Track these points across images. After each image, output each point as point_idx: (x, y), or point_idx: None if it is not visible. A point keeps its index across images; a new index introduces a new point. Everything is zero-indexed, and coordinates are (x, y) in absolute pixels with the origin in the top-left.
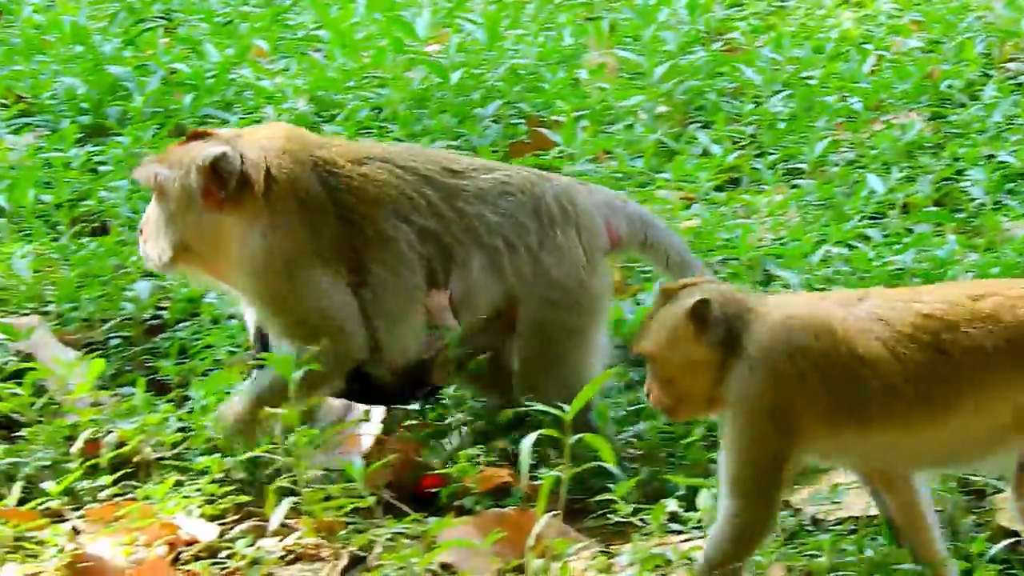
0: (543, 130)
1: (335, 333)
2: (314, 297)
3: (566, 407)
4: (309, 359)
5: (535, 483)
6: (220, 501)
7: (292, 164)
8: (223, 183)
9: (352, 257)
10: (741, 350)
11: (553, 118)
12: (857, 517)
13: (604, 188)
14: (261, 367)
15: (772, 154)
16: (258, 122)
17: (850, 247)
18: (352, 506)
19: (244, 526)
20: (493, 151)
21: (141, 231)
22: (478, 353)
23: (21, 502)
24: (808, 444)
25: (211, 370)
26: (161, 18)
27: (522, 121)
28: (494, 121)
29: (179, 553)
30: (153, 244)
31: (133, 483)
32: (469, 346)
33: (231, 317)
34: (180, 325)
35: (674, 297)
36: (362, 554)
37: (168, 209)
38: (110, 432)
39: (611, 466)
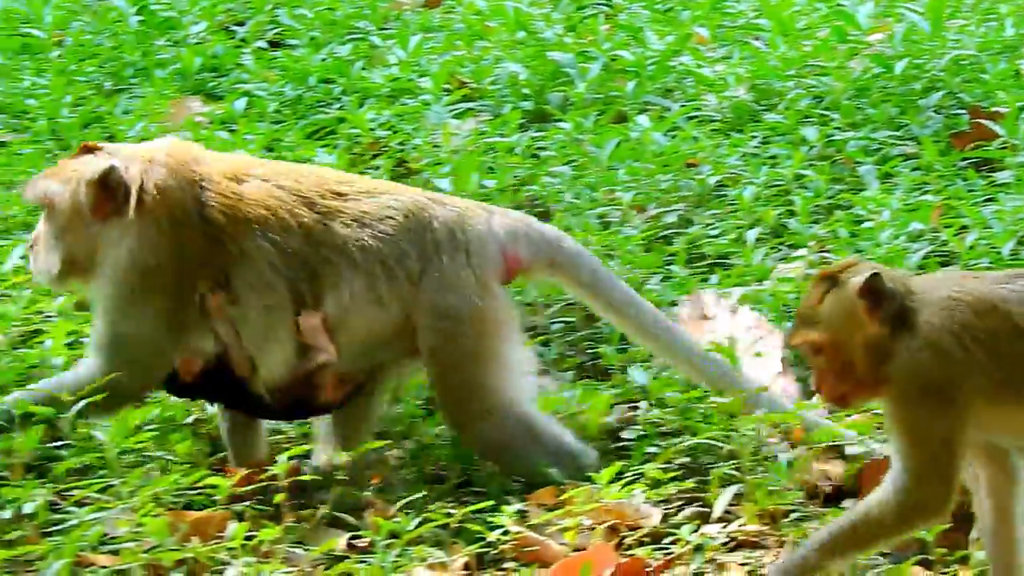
0: (986, 121)
1: (127, 363)
2: (134, 321)
3: None
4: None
5: None
6: (664, 487)
7: (167, 178)
8: (112, 197)
9: (219, 274)
10: (910, 326)
11: (994, 109)
12: None
13: (514, 213)
14: None
15: None
16: (698, 109)
17: None
18: (794, 496)
19: (687, 512)
20: (935, 141)
21: (31, 246)
22: (375, 375)
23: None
24: (972, 420)
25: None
26: (602, 4)
27: (963, 112)
28: (935, 111)
29: (623, 538)
30: (43, 259)
31: None
32: (364, 367)
33: (673, 304)
34: None
35: (835, 281)
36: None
37: (58, 224)
38: None
39: None
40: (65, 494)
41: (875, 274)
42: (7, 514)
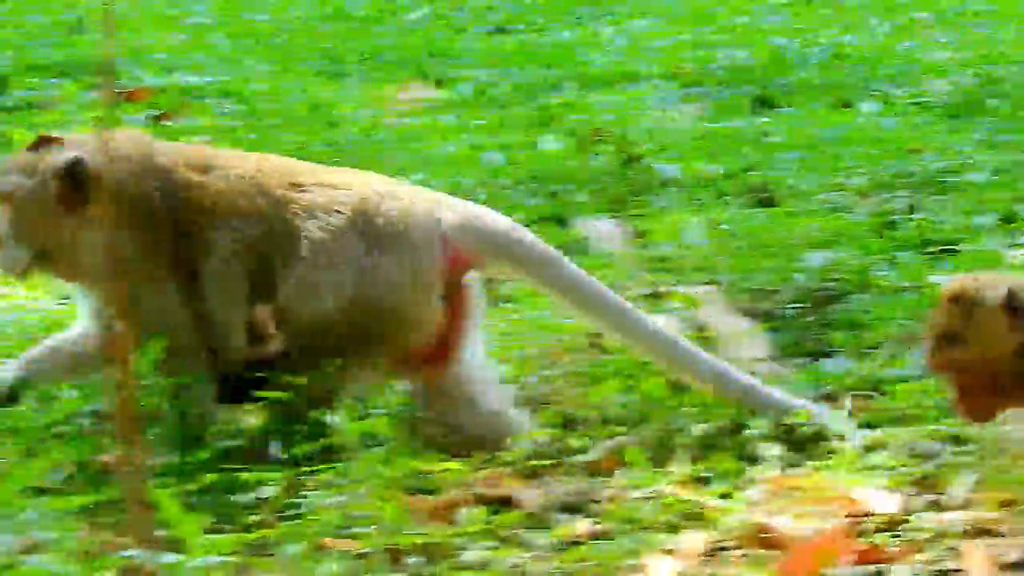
0: None
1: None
2: (154, 318)
3: None
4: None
5: None
6: (900, 473)
7: (128, 170)
8: (78, 187)
9: (185, 266)
10: None
11: None
12: None
13: (469, 206)
14: None
15: None
16: (921, 95)
17: None
18: None
19: (925, 499)
20: None
21: None
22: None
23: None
24: None
25: (883, 343)
26: None
27: None
28: None
29: (860, 525)
30: (8, 252)
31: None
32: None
33: (902, 290)
34: (852, 297)
35: (970, 298)
36: None
37: (23, 216)
38: None
39: None
40: (303, 478)
41: (1014, 287)
42: (245, 498)
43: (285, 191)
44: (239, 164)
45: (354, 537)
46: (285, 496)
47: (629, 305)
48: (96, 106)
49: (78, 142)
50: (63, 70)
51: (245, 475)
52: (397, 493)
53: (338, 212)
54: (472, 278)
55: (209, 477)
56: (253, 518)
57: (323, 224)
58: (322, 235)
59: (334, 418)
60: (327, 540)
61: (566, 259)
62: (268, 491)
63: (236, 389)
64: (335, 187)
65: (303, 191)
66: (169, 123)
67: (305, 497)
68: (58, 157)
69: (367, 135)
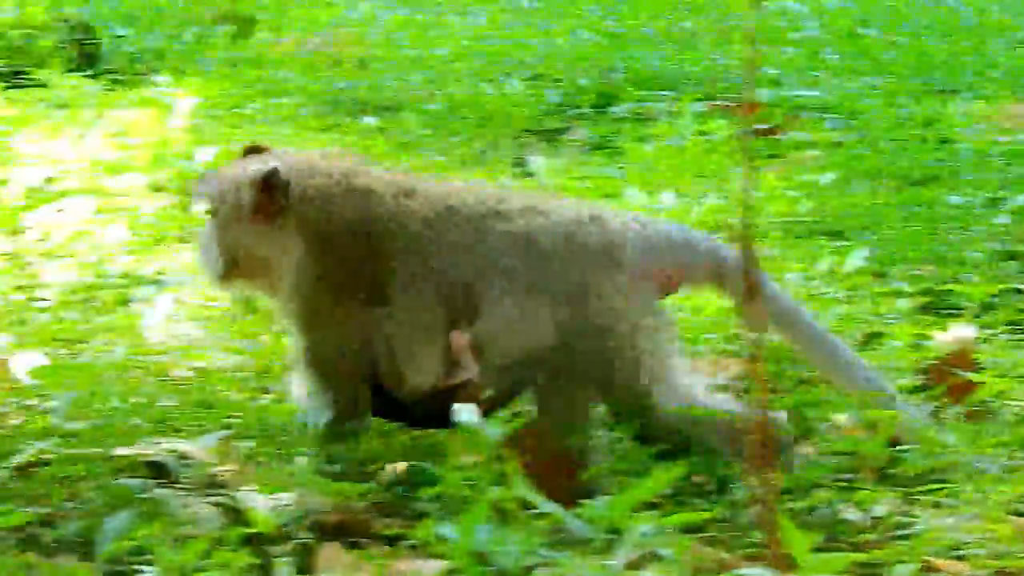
0: None
1: (342, 382)
2: (332, 336)
3: None
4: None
5: None
6: None
7: (329, 189)
8: (273, 198)
9: (376, 288)
10: None
11: None
12: None
13: (671, 223)
14: None
15: None
16: None
17: None
18: None
19: None
20: None
21: (198, 247)
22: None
23: None
24: None
25: None
26: None
27: None
28: None
29: None
30: (206, 260)
31: None
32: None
33: None
34: None
35: None
36: None
37: (220, 224)
38: None
39: None
40: (913, 498)
41: None
42: (856, 516)
43: (488, 220)
44: (444, 192)
45: (962, 559)
46: (895, 516)
47: (831, 336)
48: (703, 118)
49: (282, 155)
50: (670, 82)
51: (855, 494)
52: (1007, 516)
53: (544, 239)
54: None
55: (819, 496)
56: (864, 537)
57: (528, 252)
58: (526, 264)
59: (948, 437)
60: (937, 562)
61: (774, 283)
62: (879, 510)
63: (421, 418)
64: (540, 213)
65: (507, 219)
66: (777, 137)
67: (916, 517)
68: (257, 167)
69: (981, 153)
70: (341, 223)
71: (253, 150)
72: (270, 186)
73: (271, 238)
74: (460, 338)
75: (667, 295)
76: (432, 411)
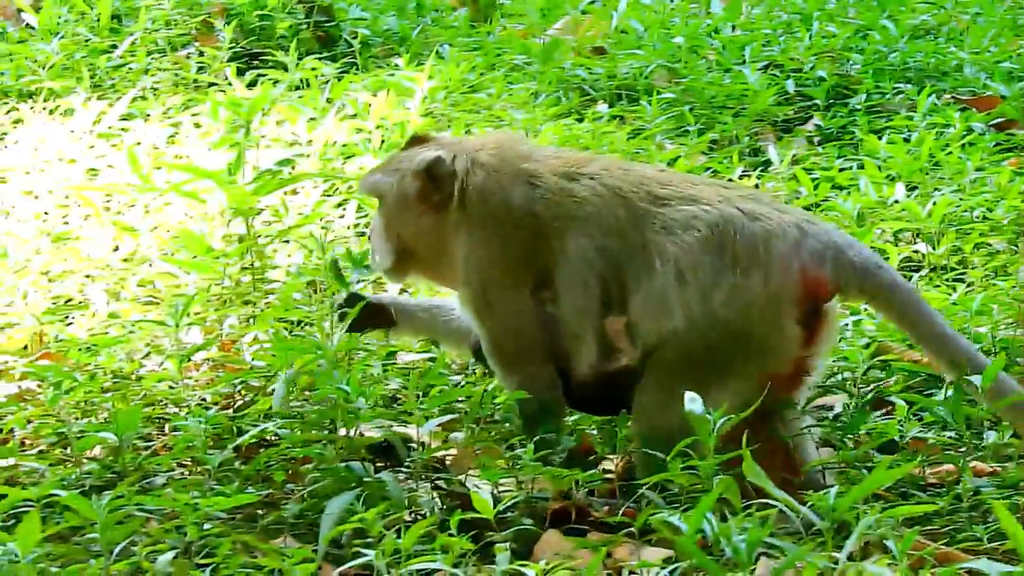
0: None
1: (527, 365)
2: (508, 319)
3: None
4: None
5: None
6: None
7: (493, 174)
8: (438, 187)
9: (540, 271)
10: None
11: None
12: None
13: (834, 233)
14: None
15: None
16: None
17: None
18: None
19: None
20: None
21: (369, 239)
22: None
23: None
24: None
25: None
26: None
27: None
28: None
29: None
30: (378, 250)
31: None
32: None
33: None
34: None
35: None
36: None
37: (388, 215)
38: None
39: None
40: None
41: None
42: None
43: (647, 204)
44: (607, 175)
45: None
46: None
47: (977, 352)
48: (938, 111)
49: (446, 143)
50: (907, 76)
51: None
52: None
53: (696, 229)
54: (832, 306)
55: None
56: None
57: (679, 240)
58: (676, 251)
59: None
60: None
61: (924, 300)
62: None
63: (585, 400)
64: (697, 202)
65: (664, 205)
66: (1013, 132)
67: None
68: (420, 155)
69: None
70: (506, 209)
71: (418, 140)
72: (434, 176)
73: (438, 226)
74: (616, 323)
75: (818, 302)
76: (598, 396)
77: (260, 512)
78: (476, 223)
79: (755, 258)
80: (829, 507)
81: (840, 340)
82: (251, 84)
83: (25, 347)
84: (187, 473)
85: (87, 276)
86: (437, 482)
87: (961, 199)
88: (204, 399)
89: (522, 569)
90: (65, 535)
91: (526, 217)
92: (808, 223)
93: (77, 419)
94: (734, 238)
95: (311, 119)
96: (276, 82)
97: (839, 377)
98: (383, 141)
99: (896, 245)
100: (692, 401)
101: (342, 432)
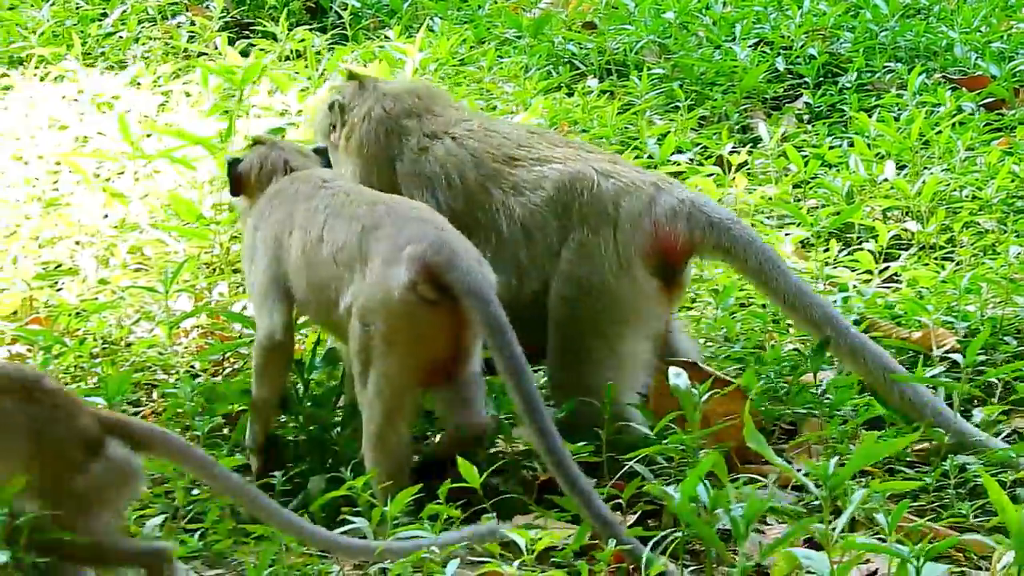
0: None
1: None
2: None
3: None
4: None
5: None
6: None
7: (377, 125)
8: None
9: None
10: None
11: None
12: None
13: (688, 191)
14: None
15: None
16: None
17: None
18: None
19: None
20: None
21: None
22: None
23: None
24: None
25: None
26: None
27: None
28: None
29: None
30: None
31: None
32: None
33: None
34: None
35: None
36: None
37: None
38: None
39: None
40: None
41: None
42: None
43: (499, 165)
44: (469, 135)
45: None
46: None
47: (833, 309)
48: (928, 90)
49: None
50: (897, 55)
51: None
52: None
53: (543, 189)
54: (690, 264)
55: None
56: None
57: (526, 201)
58: (523, 212)
59: None
60: None
61: (781, 259)
62: None
63: None
64: (549, 163)
65: (517, 166)
66: (1003, 112)
67: None
68: (323, 99)
69: None
70: (377, 160)
71: (350, 76)
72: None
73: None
74: None
75: (674, 258)
76: None
77: (248, 478)
78: (359, 167)
79: (604, 215)
80: (827, 476)
81: None
82: (243, 53)
83: (15, 312)
84: None
85: (77, 242)
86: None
87: (951, 178)
88: (193, 366)
89: (510, 535)
90: None
91: (389, 172)
92: (665, 183)
93: (67, 384)
94: (581, 196)
95: (302, 89)
96: (266, 52)
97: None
98: None
99: (885, 223)
100: (676, 376)
101: None
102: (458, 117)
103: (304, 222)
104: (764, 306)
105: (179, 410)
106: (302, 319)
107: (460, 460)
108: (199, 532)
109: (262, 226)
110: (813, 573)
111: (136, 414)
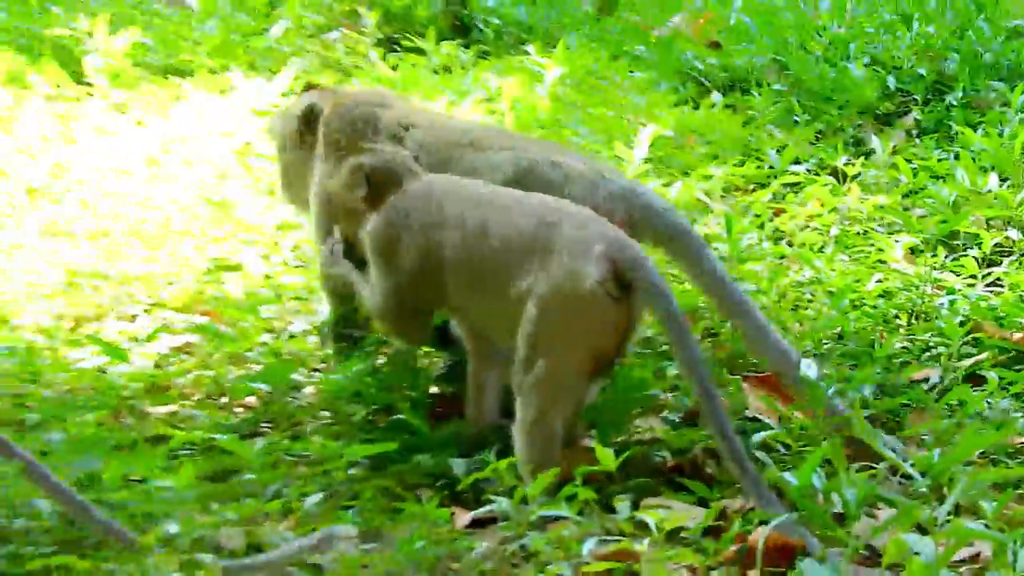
0: None
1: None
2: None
3: None
4: None
5: None
6: None
7: (346, 117)
8: (311, 130)
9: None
10: None
11: None
12: None
13: (631, 181)
14: None
15: None
16: None
17: None
18: None
19: None
20: None
21: None
22: None
23: None
24: None
25: None
26: None
27: None
28: None
29: None
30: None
31: None
32: None
33: None
34: None
35: None
36: None
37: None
38: None
39: None
40: None
41: None
42: None
43: (459, 152)
44: (431, 125)
45: None
46: None
47: (749, 300)
48: None
49: (331, 92)
50: (1002, 74)
51: None
52: None
53: (500, 172)
54: None
55: None
56: None
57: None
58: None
59: None
60: None
61: (699, 239)
62: None
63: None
64: (503, 150)
65: (475, 152)
66: None
67: None
68: (301, 102)
69: None
70: (348, 149)
71: (309, 87)
72: (309, 120)
73: (307, 161)
74: None
75: None
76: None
77: (397, 460)
78: (328, 156)
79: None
80: (932, 465)
81: (936, 317)
82: (393, 67)
83: (186, 304)
84: (332, 423)
85: (242, 240)
86: None
87: None
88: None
89: (642, 517)
90: (219, 476)
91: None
92: (609, 172)
93: (232, 371)
94: (530, 183)
95: (450, 101)
96: (416, 66)
97: (936, 351)
98: (518, 121)
99: (988, 231)
100: (807, 367)
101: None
102: (419, 109)
103: (456, 220)
104: (875, 307)
105: (337, 397)
106: None
107: (597, 445)
108: (355, 510)
109: (398, 233)
110: (919, 554)
111: (295, 400)
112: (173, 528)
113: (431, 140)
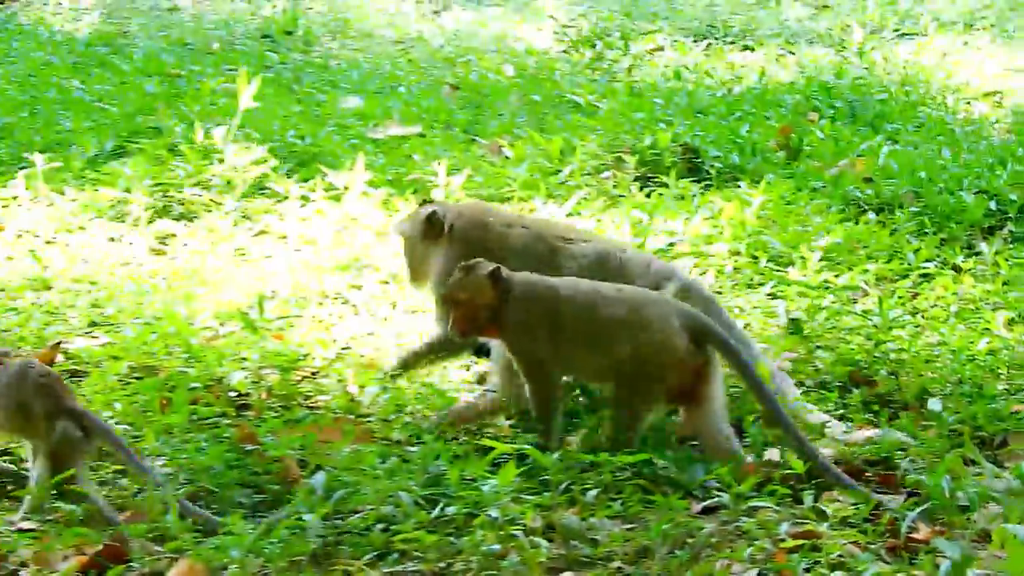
0: None
1: None
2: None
3: None
4: None
5: None
6: None
7: (466, 221)
8: (434, 227)
9: None
10: None
11: None
12: None
13: (664, 262)
14: None
15: None
16: None
17: None
18: None
19: None
20: None
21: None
22: None
23: None
24: None
25: None
26: None
27: None
28: None
29: None
30: (405, 270)
31: None
32: None
33: None
34: None
35: None
36: None
37: (406, 246)
38: None
39: None
40: None
41: None
42: None
43: (558, 243)
44: (534, 224)
45: None
46: None
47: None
48: None
49: (443, 203)
50: None
51: None
52: None
53: (587, 257)
54: None
55: None
56: None
57: (575, 264)
58: (576, 269)
59: None
60: None
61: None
62: None
63: None
64: (588, 242)
65: (569, 243)
66: None
67: None
68: (424, 210)
69: None
70: (468, 242)
71: (425, 202)
72: (432, 221)
73: (433, 252)
74: None
75: None
76: None
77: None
78: (453, 248)
79: (620, 272)
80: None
81: None
82: (648, 195)
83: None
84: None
85: None
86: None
87: None
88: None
89: (822, 507)
90: (526, 475)
91: (482, 251)
92: (655, 261)
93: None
94: (610, 261)
95: (685, 219)
96: (662, 195)
97: None
98: (733, 234)
99: None
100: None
101: None
102: (517, 214)
103: (574, 310)
104: (984, 361)
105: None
106: None
107: (789, 456)
108: (620, 500)
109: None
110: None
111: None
112: (494, 513)
113: (531, 235)
